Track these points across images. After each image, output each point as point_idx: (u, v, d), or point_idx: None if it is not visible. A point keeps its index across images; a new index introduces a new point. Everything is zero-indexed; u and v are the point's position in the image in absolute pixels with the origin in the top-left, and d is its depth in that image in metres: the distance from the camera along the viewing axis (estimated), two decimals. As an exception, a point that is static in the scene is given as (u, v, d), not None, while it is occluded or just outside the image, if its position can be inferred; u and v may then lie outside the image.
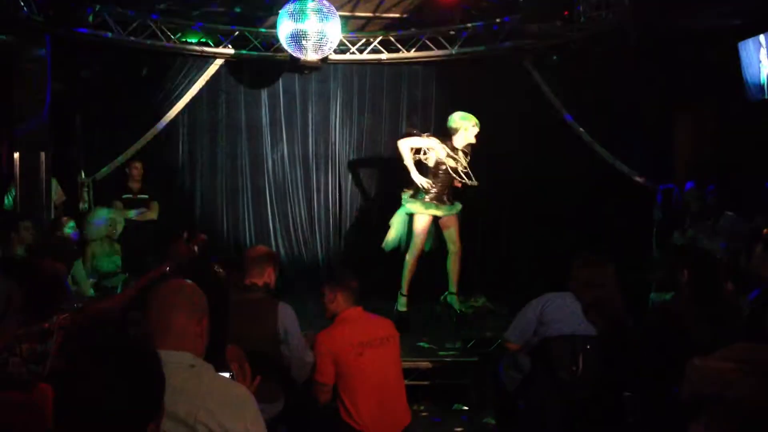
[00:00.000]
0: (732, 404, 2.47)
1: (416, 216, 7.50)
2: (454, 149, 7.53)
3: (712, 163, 8.52)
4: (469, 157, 7.65)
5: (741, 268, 4.58)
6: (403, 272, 7.51)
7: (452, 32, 8.94)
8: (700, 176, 8.28)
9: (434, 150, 7.47)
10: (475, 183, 7.62)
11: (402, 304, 7.51)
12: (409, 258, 7.48)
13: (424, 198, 7.49)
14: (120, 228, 7.89)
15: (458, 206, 7.68)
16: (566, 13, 7.06)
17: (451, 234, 7.57)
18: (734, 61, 7.96)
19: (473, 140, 7.56)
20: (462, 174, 7.53)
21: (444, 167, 7.47)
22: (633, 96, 8.66)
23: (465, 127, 7.53)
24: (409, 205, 7.54)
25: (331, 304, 4.21)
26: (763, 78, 7.75)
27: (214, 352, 2.42)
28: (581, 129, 8.80)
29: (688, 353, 2.71)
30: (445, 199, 7.57)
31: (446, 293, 7.73)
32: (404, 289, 7.54)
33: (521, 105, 9.29)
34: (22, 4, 6.86)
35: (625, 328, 4.18)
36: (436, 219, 7.60)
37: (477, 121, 7.57)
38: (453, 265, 7.62)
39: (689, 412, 2.66)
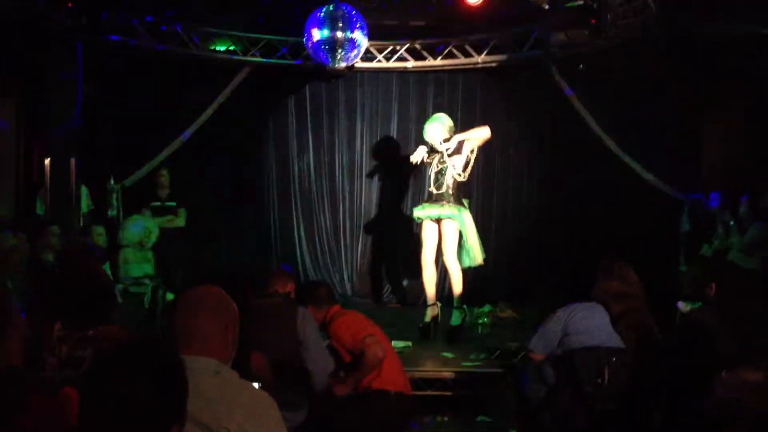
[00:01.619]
0: (760, 417, 2.44)
1: (423, 224, 7.50)
2: (435, 151, 7.47)
3: (740, 173, 8.43)
4: (458, 154, 7.39)
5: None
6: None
7: (478, 40, 8.93)
8: (728, 186, 8.20)
9: (422, 155, 7.51)
10: (463, 178, 7.41)
11: (425, 315, 7.47)
12: (424, 269, 7.44)
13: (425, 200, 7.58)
14: (153, 238, 7.98)
15: (454, 210, 7.33)
16: (593, 21, 7.01)
17: (444, 246, 7.34)
18: (763, 68, 7.88)
19: (433, 141, 7.42)
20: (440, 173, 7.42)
21: (429, 168, 7.51)
22: (660, 104, 8.60)
23: (424, 128, 7.57)
24: (416, 213, 7.57)
25: (316, 314, 4.55)
26: (793, 87, 7.66)
27: (239, 359, 2.43)
28: (608, 138, 8.74)
29: (715, 366, 2.68)
30: (438, 201, 7.37)
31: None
32: (427, 300, 7.47)
33: (547, 113, 9.26)
34: (53, 11, 6.96)
35: (654, 339, 4.14)
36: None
37: (433, 126, 7.47)
38: (452, 283, 7.46)
39: (717, 424, 2.63)
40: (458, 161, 7.34)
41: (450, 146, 7.34)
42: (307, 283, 5.01)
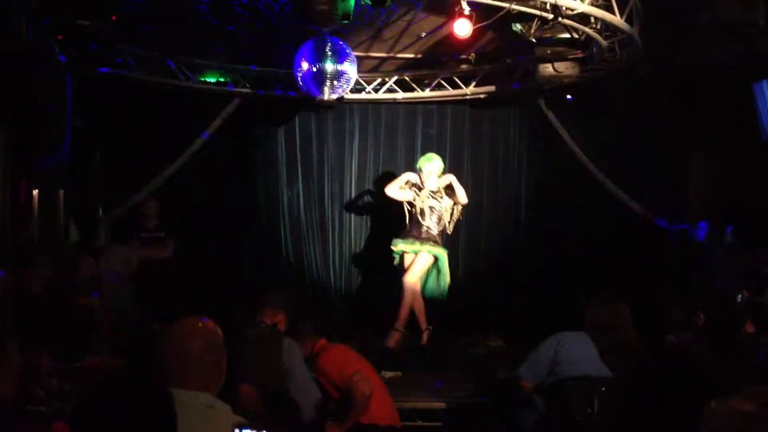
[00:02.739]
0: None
1: (402, 257, 7.78)
2: (432, 191, 7.75)
3: (727, 203, 8.50)
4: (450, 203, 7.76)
5: (762, 308, 4.54)
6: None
7: (467, 72, 9.02)
8: (715, 216, 8.26)
9: (418, 188, 7.72)
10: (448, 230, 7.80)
11: (389, 337, 7.60)
12: (404, 298, 7.58)
13: (406, 237, 7.76)
14: (134, 266, 7.94)
15: (437, 250, 7.73)
16: (580, 54, 7.11)
17: (410, 270, 7.64)
18: (749, 100, 7.98)
19: (430, 184, 7.70)
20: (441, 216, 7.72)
21: (419, 209, 7.68)
22: (647, 135, 8.69)
23: (420, 168, 7.80)
24: (394, 248, 7.83)
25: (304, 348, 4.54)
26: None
27: (226, 389, 2.42)
28: (595, 168, 8.82)
29: (704, 395, 2.68)
30: (423, 241, 7.69)
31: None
32: (398, 323, 7.63)
33: (535, 145, 9.34)
34: (43, 43, 6.98)
35: (643, 371, 4.15)
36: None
37: (434, 164, 7.74)
38: (407, 306, 7.68)
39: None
40: (449, 206, 7.70)
41: (444, 182, 7.70)
42: (293, 323, 4.96)
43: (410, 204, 7.79)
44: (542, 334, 4.56)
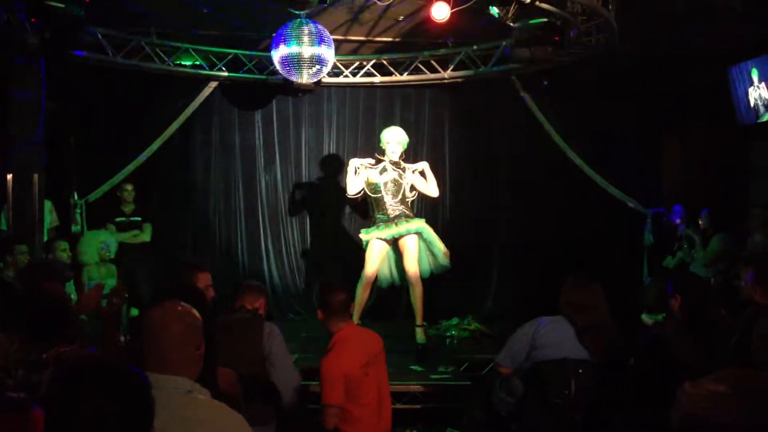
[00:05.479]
0: (723, 429, 2.48)
1: (369, 243, 7.19)
2: (396, 164, 7.30)
3: (701, 187, 8.60)
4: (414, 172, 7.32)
5: (737, 291, 4.61)
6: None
7: (444, 56, 9.02)
8: (690, 200, 8.36)
9: (369, 168, 7.22)
10: (409, 197, 7.30)
11: None
12: (359, 287, 7.07)
13: (374, 224, 7.25)
14: (113, 249, 7.93)
15: (415, 223, 7.21)
16: (557, 38, 7.13)
17: (407, 262, 7.12)
18: (724, 85, 8.06)
19: (394, 157, 7.28)
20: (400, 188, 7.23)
21: (380, 186, 7.21)
22: (622, 120, 8.76)
23: (385, 141, 7.35)
24: (363, 236, 7.28)
25: (323, 322, 4.23)
26: (753, 102, 7.85)
27: (205, 374, 2.43)
28: (572, 152, 8.87)
29: (678, 378, 2.72)
30: (395, 219, 7.16)
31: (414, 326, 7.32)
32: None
33: (513, 128, 9.37)
34: (17, 26, 6.88)
35: (619, 351, 4.19)
36: (395, 248, 7.26)
37: (399, 137, 7.32)
38: (414, 299, 7.17)
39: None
40: (416, 181, 7.31)
41: (417, 168, 7.33)
42: (325, 287, 4.35)
43: (368, 186, 7.24)
44: (518, 318, 4.60)
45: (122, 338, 3.63)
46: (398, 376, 6.37)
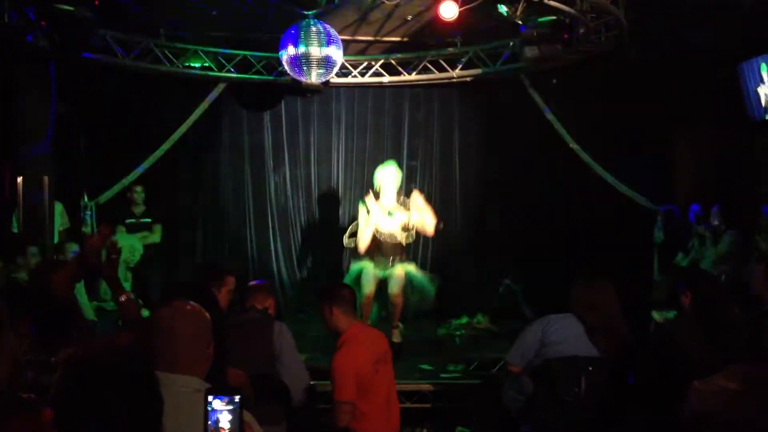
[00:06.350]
0: (735, 425, 2.47)
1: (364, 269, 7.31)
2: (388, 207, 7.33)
3: (712, 184, 8.55)
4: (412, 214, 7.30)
5: (745, 289, 4.58)
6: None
7: (453, 55, 9.01)
8: (700, 197, 8.31)
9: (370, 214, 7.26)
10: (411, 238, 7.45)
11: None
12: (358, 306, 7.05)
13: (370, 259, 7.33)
14: (138, 256, 7.96)
15: (408, 266, 7.40)
16: (566, 36, 7.11)
17: (392, 285, 7.22)
18: (734, 81, 8.01)
19: (390, 198, 7.33)
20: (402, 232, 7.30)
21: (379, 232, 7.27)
22: (633, 117, 8.71)
23: (378, 183, 7.39)
24: (354, 266, 7.44)
25: (330, 319, 4.24)
26: (763, 98, 7.80)
27: (214, 373, 2.43)
28: (582, 150, 8.84)
29: (690, 375, 2.71)
30: (392, 261, 7.32)
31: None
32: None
33: (522, 127, 9.35)
34: (27, 29, 6.91)
35: (629, 349, 4.17)
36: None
37: (392, 176, 7.35)
38: (392, 309, 7.32)
39: (692, 433, 2.66)
40: (416, 220, 7.29)
41: (417, 204, 7.29)
42: (331, 285, 4.56)
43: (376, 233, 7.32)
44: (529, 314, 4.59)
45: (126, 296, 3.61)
46: (408, 375, 6.38)
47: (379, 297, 7.39)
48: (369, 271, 7.28)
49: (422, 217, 7.29)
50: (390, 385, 4.35)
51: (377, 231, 7.29)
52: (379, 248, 7.32)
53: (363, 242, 7.28)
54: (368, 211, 7.28)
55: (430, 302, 7.52)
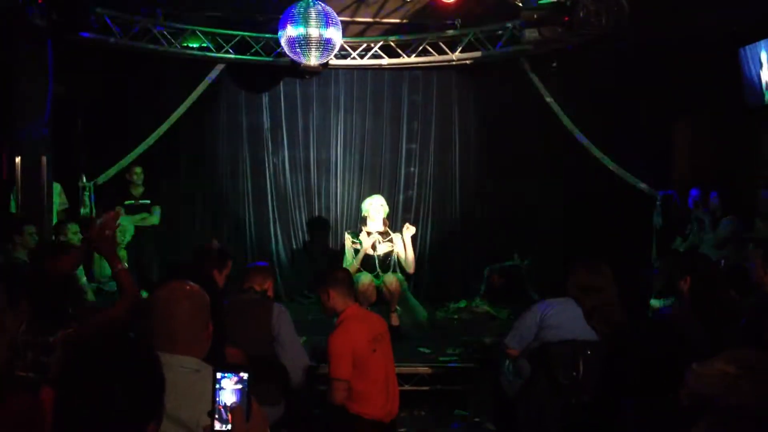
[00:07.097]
0: (733, 409, 2.48)
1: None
2: (383, 234, 7.29)
3: (710, 169, 8.55)
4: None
5: (744, 274, 4.59)
6: None
7: (452, 38, 8.97)
8: (698, 182, 8.31)
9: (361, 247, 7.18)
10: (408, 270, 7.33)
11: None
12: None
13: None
14: (128, 236, 7.96)
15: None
16: (566, 18, 7.07)
17: (388, 276, 7.13)
18: (733, 67, 7.99)
19: (378, 226, 7.27)
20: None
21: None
22: (632, 102, 8.70)
23: (365, 211, 7.36)
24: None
25: (327, 302, 4.26)
26: (762, 84, 7.78)
27: (213, 353, 2.43)
28: (581, 134, 8.82)
29: (687, 359, 2.71)
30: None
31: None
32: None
33: (521, 110, 9.33)
34: (24, 8, 6.87)
35: (626, 333, 4.18)
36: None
37: (378, 205, 7.32)
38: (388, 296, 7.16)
39: (689, 417, 2.66)
40: (400, 251, 7.26)
41: (405, 238, 7.21)
42: (325, 269, 4.60)
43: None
44: (528, 298, 4.60)
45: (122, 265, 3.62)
46: (406, 358, 6.39)
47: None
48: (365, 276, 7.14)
49: (405, 253, 7.22)
50: (389, 366, 4.36)
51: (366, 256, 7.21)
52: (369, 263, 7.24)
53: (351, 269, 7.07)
54: (355, 244, 7.21)
55: (423, 324, 7.46)
